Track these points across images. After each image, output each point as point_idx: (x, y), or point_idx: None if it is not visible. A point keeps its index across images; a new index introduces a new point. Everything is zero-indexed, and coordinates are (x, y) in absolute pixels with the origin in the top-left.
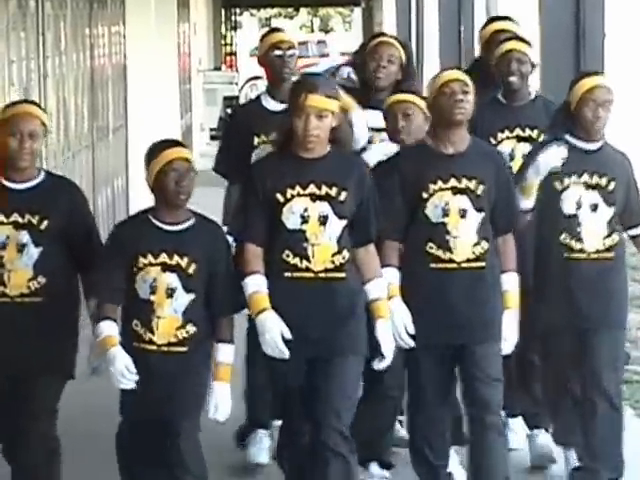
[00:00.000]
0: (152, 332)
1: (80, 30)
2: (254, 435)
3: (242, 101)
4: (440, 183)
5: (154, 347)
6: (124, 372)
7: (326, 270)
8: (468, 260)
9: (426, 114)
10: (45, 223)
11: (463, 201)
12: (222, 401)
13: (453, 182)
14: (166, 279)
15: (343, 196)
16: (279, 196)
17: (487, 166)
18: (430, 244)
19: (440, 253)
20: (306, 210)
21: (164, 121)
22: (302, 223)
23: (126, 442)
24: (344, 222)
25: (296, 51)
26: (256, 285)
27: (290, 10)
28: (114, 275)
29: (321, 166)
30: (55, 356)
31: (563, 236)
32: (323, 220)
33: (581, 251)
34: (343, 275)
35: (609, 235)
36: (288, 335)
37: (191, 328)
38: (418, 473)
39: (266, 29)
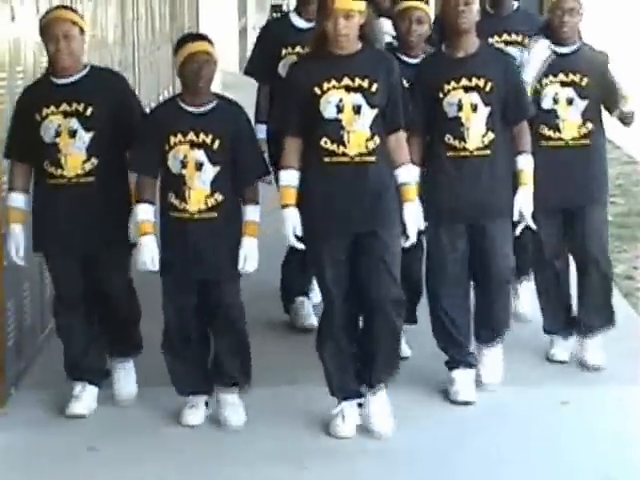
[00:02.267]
0: (185, 202)
1: None
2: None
3: (285, 8)
4: (453, 83)
5: (187, 215)
6: (147, 263)
7: (360, 154)
8: (478, 148)
9: (431, 22)
10: (90, 109)
11: (474, 97)
12: (250, 253)
13: (464, 81)
14: (194, 155)
15: (374, 87)
16: (316, 89)
17: (495, 66)
18: (448, 135)
19: (456, 143)
20: (341, 100)
21: (225, 23)
22: (338, 112)
23: (171, 303)
24: (375, 111)
25: None
26: (288, 180)
27: None
28: (151, 150)
29: (354, 61)
30: (115, 228)
31: (541, 127)
32: (357, 109)
33: (560, 139)
34: (374, 159)
35: (584, 124)
36: (299, 232)
37: (219, 196)
38: (442, 347)
39: None
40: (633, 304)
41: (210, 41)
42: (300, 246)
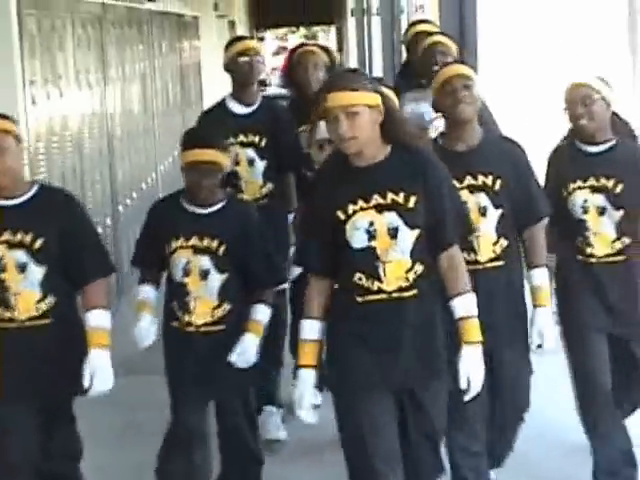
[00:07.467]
0: (189, 313)
1: (174, 43)
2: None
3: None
4: (456, 183)
5: (192, 328)
6: (142, 335)
7: (400, 289)
8: (490, 260)
9: None
10: (39, 242)
11: (482, 198)
12: (248, 351)
13: (469, 180)
14: (199, 261)
15: (412, 202)
16: (340, 213)
17: (503, 159)
18: None
19: (465, 255)
20: (372, 224)
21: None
22: (370, 239)
23: (179, 421)
24: (417, 231)
25: (261, 57)
26: (307, 332)
27: (294, 29)
28: (151, 254)
29: (382, 171)
30: (69, 376)
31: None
32: (393, 233)
33: (592, 256)
34: (416, 292)
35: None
36: (317, 401)
37: (227, 306)
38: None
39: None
40: None
41: (217, 146)
42: (312, 420)
